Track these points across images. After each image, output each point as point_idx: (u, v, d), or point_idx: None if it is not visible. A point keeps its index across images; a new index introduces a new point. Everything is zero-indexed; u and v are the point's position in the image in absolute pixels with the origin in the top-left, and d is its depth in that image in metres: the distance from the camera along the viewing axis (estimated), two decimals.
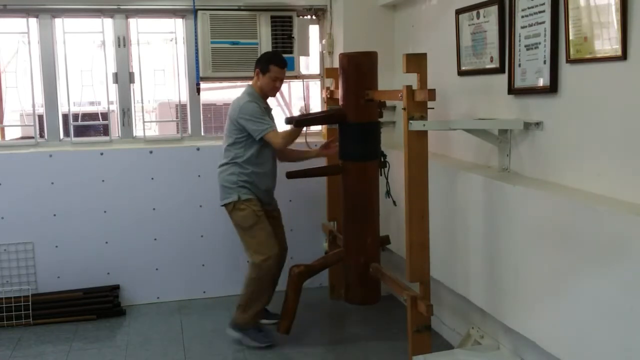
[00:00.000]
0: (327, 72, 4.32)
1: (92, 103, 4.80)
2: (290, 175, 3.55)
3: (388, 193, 3.50)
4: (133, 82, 4.41)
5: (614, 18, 2.24)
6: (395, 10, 4.31)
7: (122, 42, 4.34)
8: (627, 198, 2.27)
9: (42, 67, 4.26)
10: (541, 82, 2.69)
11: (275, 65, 3.59)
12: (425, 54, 2.82)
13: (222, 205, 3.65)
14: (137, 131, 4.48)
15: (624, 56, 2.22)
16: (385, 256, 3.93)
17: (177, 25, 4.45)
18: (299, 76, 4.65)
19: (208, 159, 4.15)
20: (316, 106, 4.91)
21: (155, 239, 4.38)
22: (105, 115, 4.43)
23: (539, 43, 2.69)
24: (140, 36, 4.41)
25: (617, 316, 2.14)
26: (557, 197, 2.45)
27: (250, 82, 3.74)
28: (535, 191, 2.59)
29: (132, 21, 4.37)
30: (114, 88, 4.40)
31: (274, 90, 3.69)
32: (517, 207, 2.69)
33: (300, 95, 5.29)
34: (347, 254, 3.57)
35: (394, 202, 3.53)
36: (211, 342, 3.76)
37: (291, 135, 3.56)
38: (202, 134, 4.60)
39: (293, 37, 4.45)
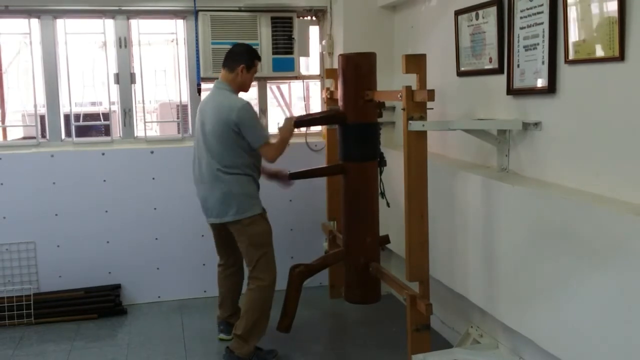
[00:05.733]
0: (327, 73, 4.34)
1: (93, 103, 4.83)
2: (292, 176, 3.56)
3: (382, 194, 3.52)
4: (134, 83, 4.43)
5: (612, 19, 2.26)
6: (394, 12, 4.32)
7: (124, 43, 4.36)
8: (625, 198, 2.28)
9: (44, 68, 4.27)
10: (540, 82, 2.71)
11: (258, 59, 3.46)
12: (424, 55, 2.84)
13: (236, 220, 3.33)
14: (138, 131, 4.50)
15: (621, 57, 2.24)
16: (385, 256, 3.96)
17: (178, 26, 4.47)
18: (299, 77, 4.67)
19: None
20: (316, 107, 4.93)
21: (156, 239, 4.40)
22: (106, 116, 4.44)
23: (538, 44, 2.70)
24: (142, 37, 4.43)
25: (615, 315, 2.16)
26: (555, 197, 2.47)
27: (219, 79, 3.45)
28: (533, 191, 2.60)
29: (134, 22, 4.39)
30: (115, 88, 4.42)
31: (250, 86, 3.50)
32: (516, 207, 2.70)
33: (301, 95, 5.31)
34: (347, 254, 3.59)
35: (388, 204, 3.55)
36: (212, 341, 3.77)
37: (282, 147, 3.34)
38: None
39: (293, 38, 4.46)
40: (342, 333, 4.04)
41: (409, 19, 4.11)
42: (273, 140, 3.37)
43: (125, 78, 4.41)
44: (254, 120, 3.31)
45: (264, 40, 4.39)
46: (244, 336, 3.38)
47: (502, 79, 2.99)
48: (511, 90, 2.93)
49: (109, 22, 4.34)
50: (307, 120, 3.80)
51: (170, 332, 3.95)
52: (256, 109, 4.56)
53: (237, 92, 3.41)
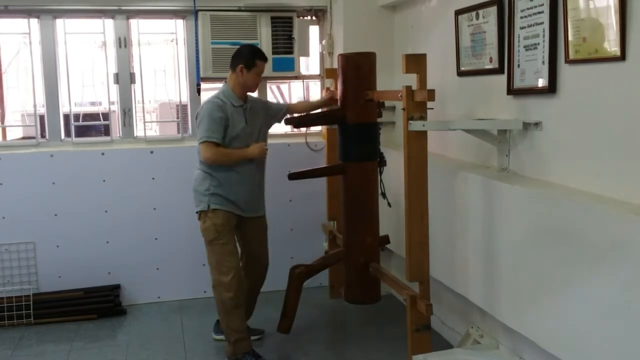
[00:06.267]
0: (327, 73, 4.34)
1: (93, 103, 4.82)
2: (292, 176, 3.55)
3: (383, 194, 3.52)
4: (134, 83, 4.42)
5: (613, 19, 2.26)
6: (394, 11, 4.32)
7: (123, 43, 4.35)
8: (625, 198, 2.28)
9: (44, 68, 4.27)
10: (540, 82, 2.71)
11: (260, 59, 3.41)
12: (424, 55, 2.83)
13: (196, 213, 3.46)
14: (138, 131, 4.49)
15: (622, 57, 2.24)
16: (385, 256, 3.95)
17: (177, 26, 4.47)
18: (299, 77, 4.66)
19: None
20: None
21: (156, 239, 4.40)
22: (106, 116, 4.44)
23: (538, 44, 2.70)
24: (141, 37, 4.43)
25: (615, 315, 2.16)
26: (556, 197, 2.47)
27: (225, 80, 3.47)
28: (534, 191, 2.60)
29: (133, 22, 4.38)
30: (114, 88, 4.41)
31: (257, 85, 3.50)
32: (516, 207, 2.70)
33: (301, 95, 5.31)
34: (347, 254, 3.58)
35: (389, 204, 3.54)
36: (212, 342, 3.77)
37: (225, 156, 3.31)
38: None
39: (293, 38, 4.46)
40: (342, 333, 4.03)
41: (409, 19, 4.11)
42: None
43: (124, 78, 4.40)
44: (204, 116, 3.30)
45: (264, 40, 4.39)
46: (225, 337, 3.50)
47: (502, 78, 2.99)
48: (511, 90, 2.92)
49: (109, 22, 4.34)
50: (307, 120, 3.80)
51: (169, 332, 3.94)
52: None
53: (242, 91, 3.43)
